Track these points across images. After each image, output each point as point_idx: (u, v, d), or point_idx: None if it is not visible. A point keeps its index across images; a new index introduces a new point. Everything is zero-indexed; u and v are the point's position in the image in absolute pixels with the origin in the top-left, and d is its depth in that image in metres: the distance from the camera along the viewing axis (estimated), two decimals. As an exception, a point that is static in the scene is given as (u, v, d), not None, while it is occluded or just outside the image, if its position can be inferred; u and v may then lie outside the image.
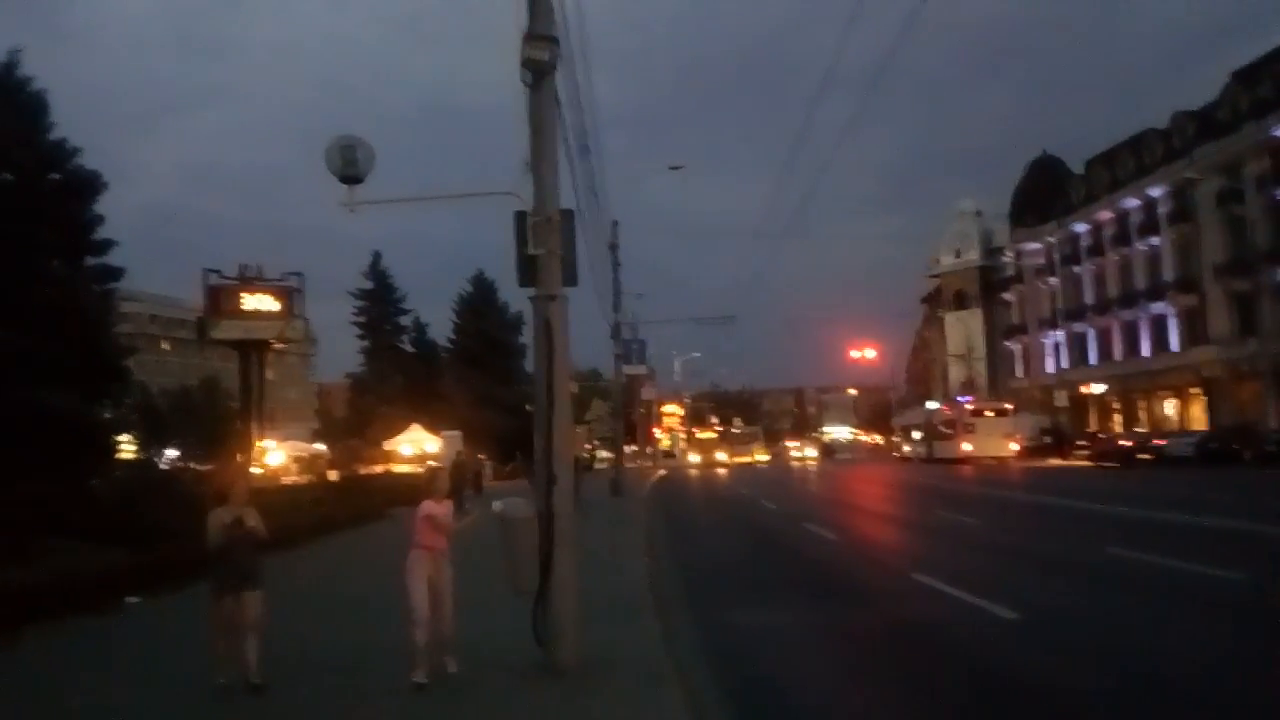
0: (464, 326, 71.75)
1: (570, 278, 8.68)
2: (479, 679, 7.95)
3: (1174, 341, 57.34)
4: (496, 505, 8.74)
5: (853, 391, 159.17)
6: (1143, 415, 61.37)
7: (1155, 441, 45.37)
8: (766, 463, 77.39)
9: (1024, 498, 27.79)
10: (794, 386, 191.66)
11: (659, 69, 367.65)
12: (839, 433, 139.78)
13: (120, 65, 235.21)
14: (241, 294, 28.98)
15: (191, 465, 57.02)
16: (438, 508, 8.05)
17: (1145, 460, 42.87)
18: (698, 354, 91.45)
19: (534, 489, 8.71)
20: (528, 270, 8.41)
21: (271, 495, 26.06)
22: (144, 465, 42.46)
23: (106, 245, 28.20)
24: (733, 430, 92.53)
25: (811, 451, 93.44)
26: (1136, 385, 61.10)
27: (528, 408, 55.81)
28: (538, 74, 8.47)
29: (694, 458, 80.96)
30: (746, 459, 77.42)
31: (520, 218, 8.44)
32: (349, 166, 8.38)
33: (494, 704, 7.43)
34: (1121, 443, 47.23)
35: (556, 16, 8.84)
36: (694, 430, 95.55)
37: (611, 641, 8.93)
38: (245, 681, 7.70)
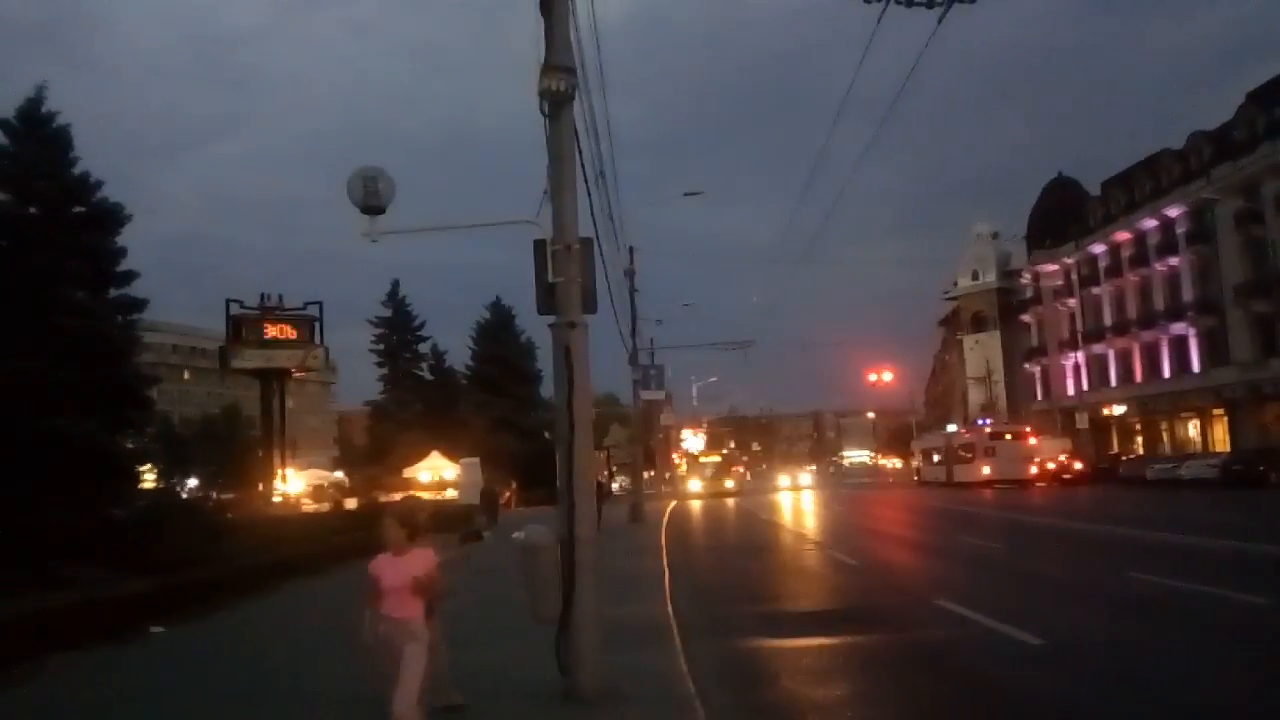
0: (482, 353, 72.02)
1: (590, 305, 8.73)
2: (500, 708, 7.94)
3: (1195, 363, 56.91)
4: (517, 535, 8.76)
5: (871, 415, 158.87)
6: (1165, 437, 60.87)
7: (1077, 464, 55.66)
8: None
9: (1045, 521, 27.55)
10: (812, 410, 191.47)
11: (675, 95, 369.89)
12: (857, 456, 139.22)
13: (143, 96, 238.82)
14: (262, 324, 29.25)
15: (213, 494, 57.36)
16: (393, 563, 6.31)
17: (1069, 480, 52.79)
18: (715, 379, 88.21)
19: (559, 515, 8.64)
20: (548, 298, 8.47)
21: (292, 524, 26.17)
22: (166, 493, 42.70)
23: (129, 276, 28.55)
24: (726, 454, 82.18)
25: (806, 478, 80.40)
26: (1158, 407, 60.62)
27: (546, 435, 56.01)
28: (555, 104, 8.56)
29: (695, 485, 65.93)
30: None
31: (540, 246, 8.51)
32: (371, 197, 8.46)
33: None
34: (1047, 465, 55.40)
35: (573, 45, 8.95)
36: (696, 454, 79.98)
37: (633, 668, 8.90)
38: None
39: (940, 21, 9.79)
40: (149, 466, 41.09)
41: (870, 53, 11.74)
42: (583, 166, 10.35)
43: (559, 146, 8.63)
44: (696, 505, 51.19)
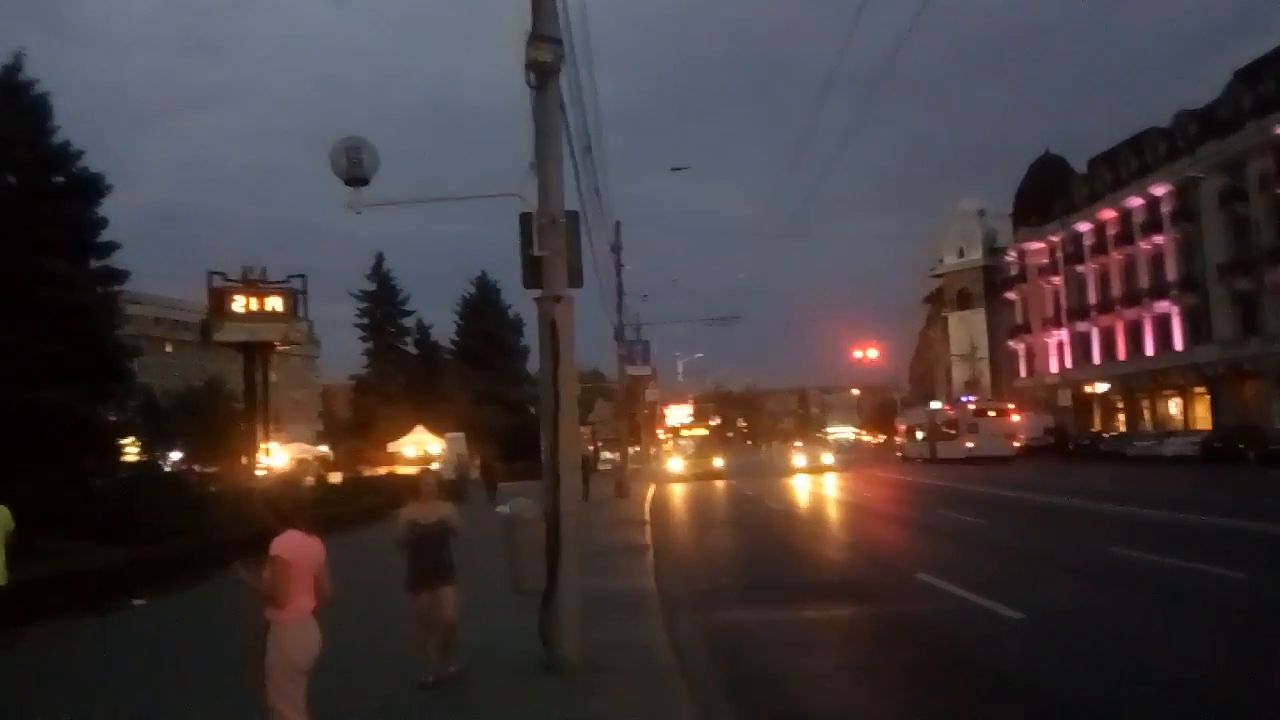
0: (467, 327, 71.77)
1: (575, 279, 8.70)
2: (483, 679, 7.97)
3: (1178, 341, 57.27)
4: (502, 509, 8.79)
5: (856, 391, 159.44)
6: (1146, 414, 61.34)
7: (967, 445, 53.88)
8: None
9: (1027, 497, 27.73)
10: (798, 387, 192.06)
11: (660, 68, 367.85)
12: (842, 432, 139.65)
13: (124, 64, 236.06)
14: (246, 296, 28.97)
15: (195, 467, 57.23)
16: (302, 544, 5.46)
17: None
18: (701, 354, 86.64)
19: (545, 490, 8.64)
20: (533, 271, 8.43)
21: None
22: (147, 466, 42.55)
23: (111, 247, 28.29)
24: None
25: (829, 456, 57.26)
26: (1140, 384, 61.03)
27: (531, 409, 55.91)
28: (542, 75, 8.49)
29: (676, 464, 52.75)
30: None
31: (525, 219, 8.47)
32: (354, 168, 8.40)
33: (499, 702, 7.45)
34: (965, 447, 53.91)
35: (559, 18, 8.86)
36: (678, 428, 65.18)
37: (616, 640, 8.94)
38: (445, 672, 7.82)
39: (929, -5, 9.73)
40: (130, 439, 40.89)
41: (858, 26, 11.69)
42: (569, 140, 10.29)
43: (545, 119, 8.57)
44: (678, 490, 40.73)
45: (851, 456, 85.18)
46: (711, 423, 65.73)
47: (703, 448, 54.61)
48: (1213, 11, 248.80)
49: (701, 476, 48.25)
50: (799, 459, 54.79)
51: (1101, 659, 8.31)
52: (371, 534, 22.64)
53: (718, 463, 52.53)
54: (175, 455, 70.08)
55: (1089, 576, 12.98)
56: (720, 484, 43.69)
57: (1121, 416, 63.94)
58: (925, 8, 10.07)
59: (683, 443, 56.15)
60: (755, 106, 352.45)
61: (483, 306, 71.53)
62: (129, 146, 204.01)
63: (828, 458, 54.23)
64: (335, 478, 41.86)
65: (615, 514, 25.56)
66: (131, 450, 43.16)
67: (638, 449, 61.06)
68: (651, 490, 36.99)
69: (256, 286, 29.21)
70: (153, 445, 63.78)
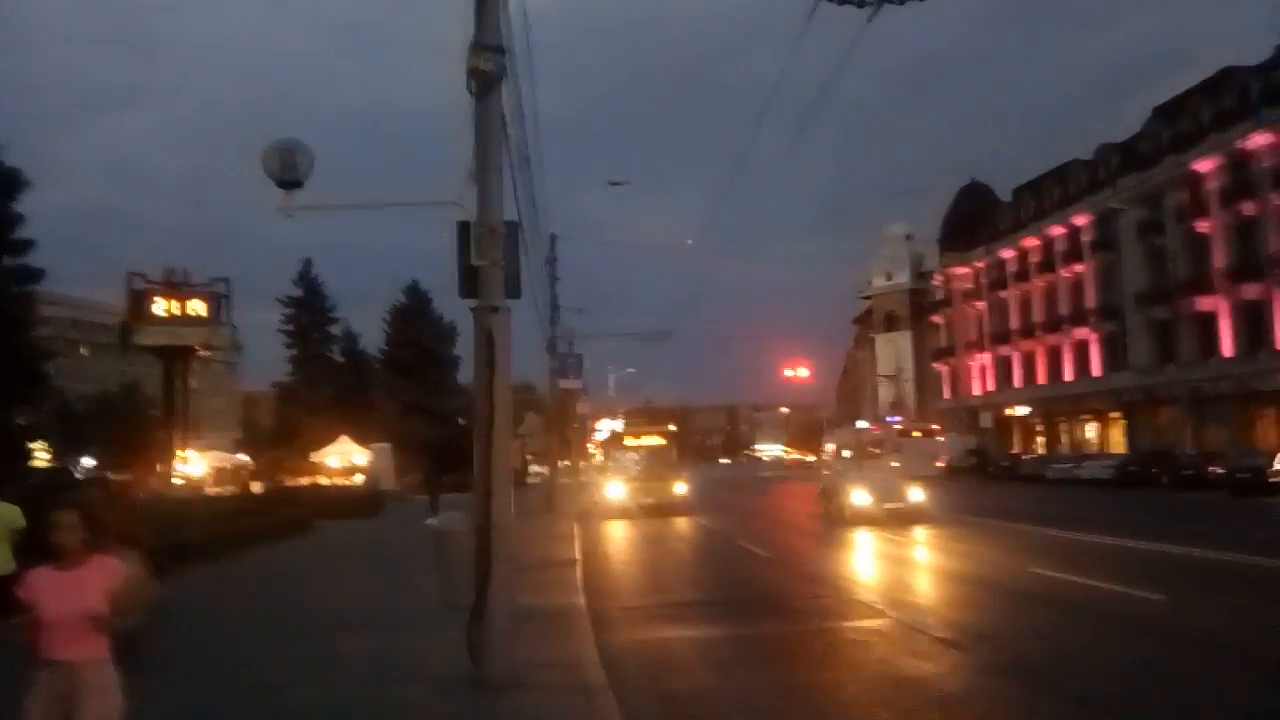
0: (396, 336, 70.79)
1: (513, 290, 8.60)
2: (407, 695, 7.81)
3: (1096, 366, 58.96)
4: (431, 521, 8.64)
5: (785, 410, 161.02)
6: (1064, 437, 62.97)
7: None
8: None
9: (948, 516, 28.18)
10: (727, 404, 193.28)
11: (598, 83, 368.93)
12: (770, 450, 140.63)
13: (44, 60, 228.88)
14: (167, 298, 28.28)
15: (108, 474, 55.48)
16: (62, 580, 4.44)
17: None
18: (632, 370, 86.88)
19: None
20: (470, 281, 8.32)
21: (195, 506, 25.46)
22: (59, 472, 41.19)
23: (26, 245, 27.39)
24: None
25: (918, 493, 26.75)
26: (1059, 408, 62.66)
27: (461, 420, 55.35)
28: (484, 84, 8.40)
29: (617, 490, 34.33)
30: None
31: (463, 228, 8.35)
32: (287, 170, 8.20)
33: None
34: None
35: (502, 28, 8.79)
36: (619, 434, 43.35)
37: (544, 657, 8.83)
38: None
39: (870, 20, 9.88)
40: (42, 444, 39.57)
41: (796, 52, 11.81)
42: (508, 151, 10.20)
43: (485, 128, 8.48)
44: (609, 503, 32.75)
45: (784, 473, 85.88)
46: (668, 429, 40.68)
47: (655, 464, 36.00)
48: (1135, 49, 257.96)
49: (654, 510, 32.46)
50: (859, 496, 27.10)
51: (1021, 675, 8.47)
52: (286, 550, 22.15)
53: (679, 489, 34.46)
54: (88, 461, 67.90)
55: (1011, 596, 13.20)
56: (685, 526, 28.37)
57: (1041, 439, 65.55)
58: (865, 34, 10.22)
59: (624, 456, 37.17)
60: (694, 126, 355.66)
61: (413, 316, 70.62)
62: (49, 144, 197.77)
63: (916, 494, 27.12)
64: (256, 487, 40.95)
65: (543, 528, 25.33)
66: (42, 455, 41.74)
67: (568, 463, 60.73)
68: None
69: (178, 289, 28.56)
70: (65, 451, 61.77)
